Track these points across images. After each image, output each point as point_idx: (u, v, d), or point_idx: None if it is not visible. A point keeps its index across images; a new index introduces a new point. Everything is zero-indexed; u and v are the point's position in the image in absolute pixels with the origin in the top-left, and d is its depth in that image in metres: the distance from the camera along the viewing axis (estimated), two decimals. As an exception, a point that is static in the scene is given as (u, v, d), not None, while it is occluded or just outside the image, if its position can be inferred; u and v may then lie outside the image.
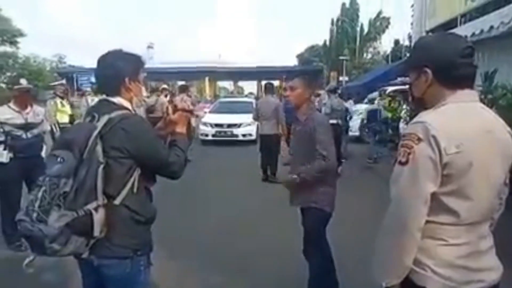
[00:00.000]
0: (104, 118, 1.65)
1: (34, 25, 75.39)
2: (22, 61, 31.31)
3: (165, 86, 10.28)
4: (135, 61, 1.82)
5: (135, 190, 1.70)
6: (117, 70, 1.75)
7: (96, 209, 1.58)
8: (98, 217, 1.58)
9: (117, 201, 1.66)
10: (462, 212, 1.27)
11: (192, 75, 32.10)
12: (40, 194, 1.54)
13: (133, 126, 1.67)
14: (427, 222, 1.27)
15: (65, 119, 6.90)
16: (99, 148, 1.61)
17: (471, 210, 1.28)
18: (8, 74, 29.35)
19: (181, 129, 1.92)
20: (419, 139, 1.24)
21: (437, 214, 1.28)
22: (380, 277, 1.35)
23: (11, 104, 3.88)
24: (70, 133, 1.77)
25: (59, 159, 1.58)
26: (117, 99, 1.75)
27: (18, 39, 29.99)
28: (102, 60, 1.78)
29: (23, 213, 1.56)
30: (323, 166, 2.57)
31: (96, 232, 1.59)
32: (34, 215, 1.52)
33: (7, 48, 30.14)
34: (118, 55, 1.79)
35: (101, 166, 1.59)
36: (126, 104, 1.77)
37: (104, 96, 1.79)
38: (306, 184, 2.67)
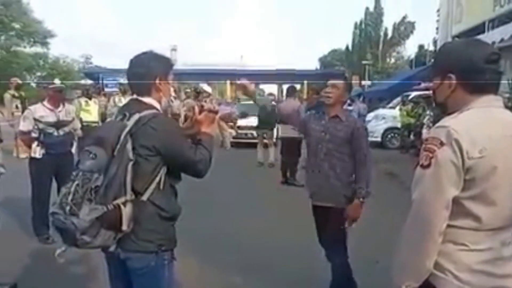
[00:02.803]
0: (135, 117, 1.72)
1: (63, 26, 77.83)
2: (51, 62, 32.35)
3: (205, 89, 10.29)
4: (166, 62, 1.90)
5: (161, 187, 1.75)
6: (150, 70, 1.82)
7: (124, 204, 1.64)
8: (127, 211, 1.64)
9: (144, 197, 1.72)
10: (484, 217, 1.27)
11: (213, 77, 32.36)
12: (73, 188, 1.61)
13: (161, 125, 1.73)
14: (449, 226, 1.28)
15: (88, 118, 7.16)
16: (129, 146, 1.67)
17: (494, 216, 1.28)
18: (39, 74, 30.42)
19: (206, 128, 1.96)
20: (442, 143, 1.25)
21: (459, 219, 1.28)
22: (399, 280, 1.36)
23: (45, 103, 4.07)
24: (102, 130, 1.84)
25: (91, 155, 1.65)
26: (147, 99, 1.82)
27: (49, 40, 31.04)
28: (136, 60, 1.85)
29: (57, 206, 1.63)
30: (371, 174, 2.75)
31: (124, 226, 1.64)
32: (67, 208, 1.59)
33: (38, 49, 31.21)
34: (151, 56, 1.86)
35: (131, 163, 1.65)
36: (156, 104, 1.83)
37: (135, 96, 1.86)
38: (335, 183, 2.76)
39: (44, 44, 31.01)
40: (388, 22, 37.85)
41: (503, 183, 1.27)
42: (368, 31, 37.17)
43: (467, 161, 1.23)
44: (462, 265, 1.29)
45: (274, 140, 9.12)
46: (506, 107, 1.47)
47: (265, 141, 9.18)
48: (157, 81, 1.83)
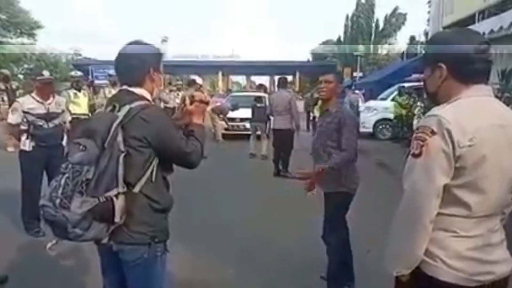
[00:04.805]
0: (125, 108, 1.70)
1: (51, 17, 76.44)
2: (38, 53, 31.78)
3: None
4: (156, 52, 1.87)
5: (153, 178, 1.74)
6: (143, 60, 1.79)
7: (117, 196, 1.62)
8: (119, 203, 1.63)
9: (136, 189, 1.70)
10: (474, 205, 1.29)
11: (205, 69, 32.22)
12: (63, 181, 1.59)
13: (153, 116, 1.71)
14: (440, 214, 1.30)
15: (77, 110, 7.07)
16: (120, 138, 1.65)
17: (483, 203, 1.30)
18: (26, 66, 29.87)
19: (198, 119, 1.94)
20: (433, 132, 1.26)
21: (449, 207, 1.30)
22: (391, 266, 1.39)
23: (34, 95, 4.00)
24: (92, 122, 1.80)
25: (81, 147, 1.63)
26: (137, 90, 1.79)
27: (36, 31, 30.41)
28: (125, 50, 1.81)
29: (47, 199, 1.61)
30: (346, 158, 2.82)
31: (117, 218, 1.64)
32: (57, 201, 1.57)
33: (25, 40, 30.59)
34: (142, 46, 1.83)
35: (122, 155, 1.64)
36: (147, 94, 1.81)
37: (124, 87, 1.82)
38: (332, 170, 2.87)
39: (31, 35, 30.40)
40: (380, 13, 37.86)
41: (492, 172, 1.29)
42: (360, 23, 37.15)
43: (458, 149, 1.25)
44: (452, 252, 1.31)
45: (267, 132, 9.12)
46: (496, 97, 1.48)
47: (258, 133, 9.17)
48: (151, 72, 1.81)
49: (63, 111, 4.19)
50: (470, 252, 1.31)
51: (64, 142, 4.14)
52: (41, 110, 3.95)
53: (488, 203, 1.32)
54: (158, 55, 1.87)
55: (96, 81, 13.33)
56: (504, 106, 1.42)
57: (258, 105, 9.36)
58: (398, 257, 1.38)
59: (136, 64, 1.79)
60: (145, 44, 1.86)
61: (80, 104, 7.28)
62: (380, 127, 12.29)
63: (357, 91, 15.35)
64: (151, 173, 1.74)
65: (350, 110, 3.19)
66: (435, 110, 1.32)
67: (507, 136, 1.31)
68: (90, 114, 7.31)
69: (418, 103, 9.68)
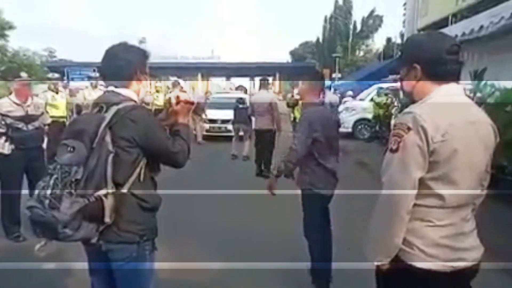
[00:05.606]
0: (113, 109, 1.71)
1: (24, 18, 74.10)
2: (11, 55, 30.83)
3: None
4: (142, 54, 1.90)
5: (141, 178, 1.77)
6: (130, 62, 1.82)
7: (106, 196, 1.64)
8: (109, 203, 1.65)
9: (124, 189, 1.72)
10: (447, 196, 1.39)
11: (184, 71, 32.01)
12: (51, 182, 1.60)
13: (140, 117, 1.74)
14: (416, 205, 1.39)
15: (55, 112, 6.94)
16: (108, 138, 1.67)
17: (455, 195, 1.40)
18: (-3, 68, 28.91)
19: (183, 119, 1.98)
20: (409, 128, 1.35)
21: (425, 198, 1.39)
22: (371, 256, 1.47)
23: (11, 97, 3.92)
24: (79, 123, 1.79)
25: (69, 148, 1.64)
26: (124, 91, 1.81)
27: (8, 32, 29.50)
28: (112, 52, 1.83)
29: (35, 200, 1.61)
30: (292, 156, 2.87)
31: (107, 218, 1.65)
32: (46, 202, 1.58)
33: (-4, 41, 29.63)
34: (128, 48, 1.86)
35: (111, 155, 1.66)
36: (134, 96, 1.83)
37: (110, 88, 1.84)
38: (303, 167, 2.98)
39: (3, 36, 29.45)
40: (357, 15, 38.65)
41: (462, 165, 1.39)
42: (338, 24, 37.75)
43: (432, 144, 1.34)
44: (428, 240, 1.41)
45: (249, 133, 9.17)
46: (468, 97, 1.59)
47: (241, 133, 9.21)
48: (138, 74, 1.84)
49: (42, 113, 4.13)
50: (444, 240, 1.41)
51: (44, 145, 4.08)
52: (20, 112, 3.88)
53: (460, 194, 1.41)
54: (144, 56, 1.90)
55: (72, 83, 13.06)
56: (474, 105, 1.53)
57: (240, 106, 9.40)
58: (378, 247, 1.46)
59: (123, 66, 1.81)
60: (131, 45, 1.88)
61: (58, 106, 7.14)
62: (359, 127, 12.56)
63: (350, 92, 15.62)
64: (139, 173, 1.77)
65: (315, 112, 3.02)
66: (411, 108, 1.42)
67: (478, 132, 1.42)
68: (68, 117, 7.21)
69: (395, 103, 9.95)
